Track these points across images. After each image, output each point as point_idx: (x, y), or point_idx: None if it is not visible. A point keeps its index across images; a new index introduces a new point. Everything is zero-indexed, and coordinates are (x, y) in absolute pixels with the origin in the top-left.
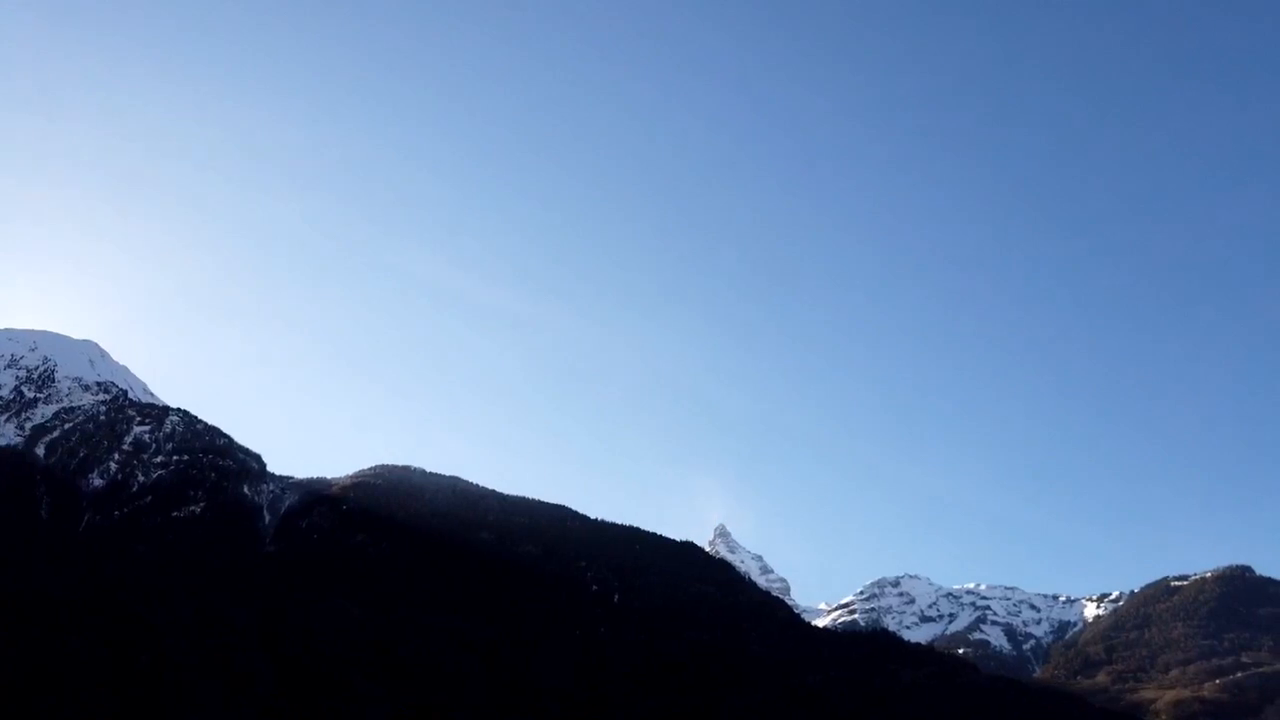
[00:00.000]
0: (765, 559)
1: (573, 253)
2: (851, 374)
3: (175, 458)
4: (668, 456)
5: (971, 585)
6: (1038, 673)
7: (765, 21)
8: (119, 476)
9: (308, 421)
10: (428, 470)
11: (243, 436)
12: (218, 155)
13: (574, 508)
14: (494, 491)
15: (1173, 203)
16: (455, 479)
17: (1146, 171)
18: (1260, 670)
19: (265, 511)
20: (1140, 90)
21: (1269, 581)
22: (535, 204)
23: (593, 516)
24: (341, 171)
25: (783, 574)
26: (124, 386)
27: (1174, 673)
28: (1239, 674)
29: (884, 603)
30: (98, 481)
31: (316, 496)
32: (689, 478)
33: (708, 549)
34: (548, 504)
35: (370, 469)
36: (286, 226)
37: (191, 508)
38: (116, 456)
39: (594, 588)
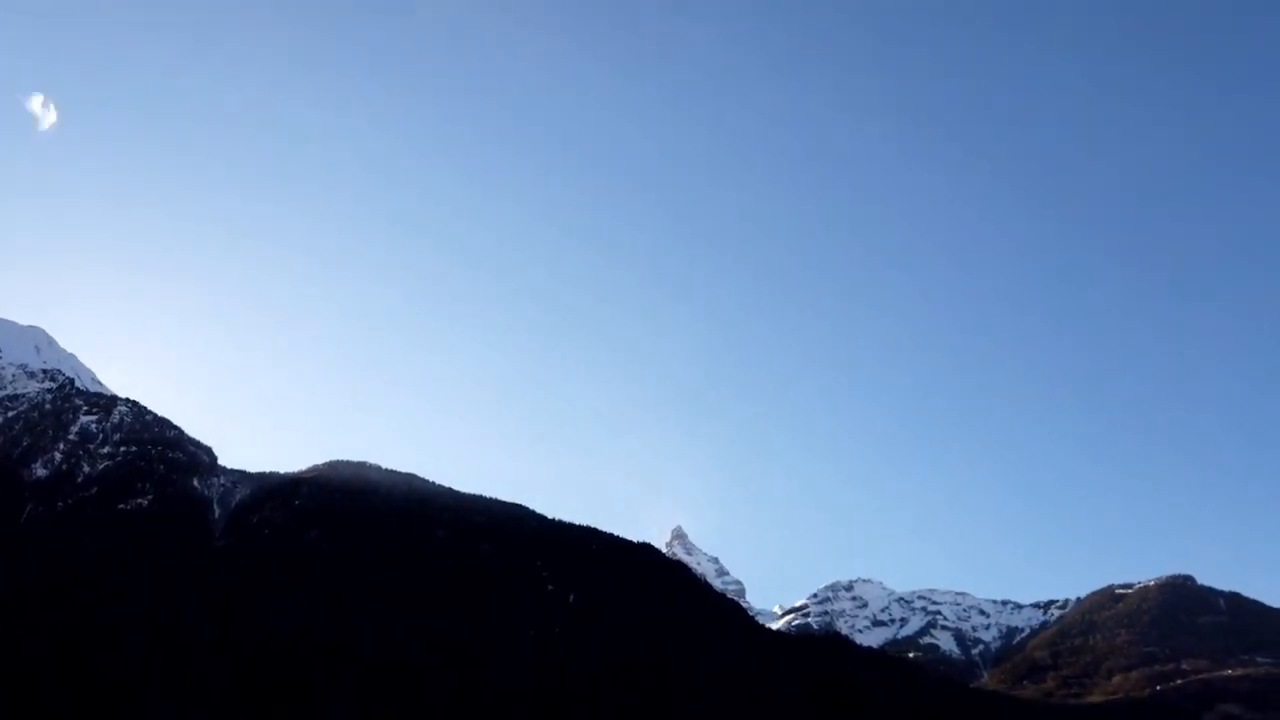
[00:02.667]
0: (721, 561)
1: (536, 249)
2: (814, 378)
3: (123, 449)
4: (626, 457)
5: (923, 590)
6: (985, 677)
7: (760, 20)
8: (64, 467)
9: (261, 415)
10: (383, 466)
11: (194, 429)
12: (172, 139)
13: (531, 507)
14: (450, 489)
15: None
16: (411, 476)
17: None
18: (1199, 677)
19: (215, 505)
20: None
21: (1209, 591)
22: (504, 201)
23: (550, 516)
24: (300, 164)
25: (738, 576)
26: (71, 375)
27: (1117, 679)
28: (1179, 680)
29: (837, 606)
30: (41, 472)
31: (269, 491)
32: (648, 479)
33: (665, 550)
34: (505, 503)
35: (324, 464)
36: (242, 215)
37: (139, 500)
38: (62, 446)
39: (550, 587)
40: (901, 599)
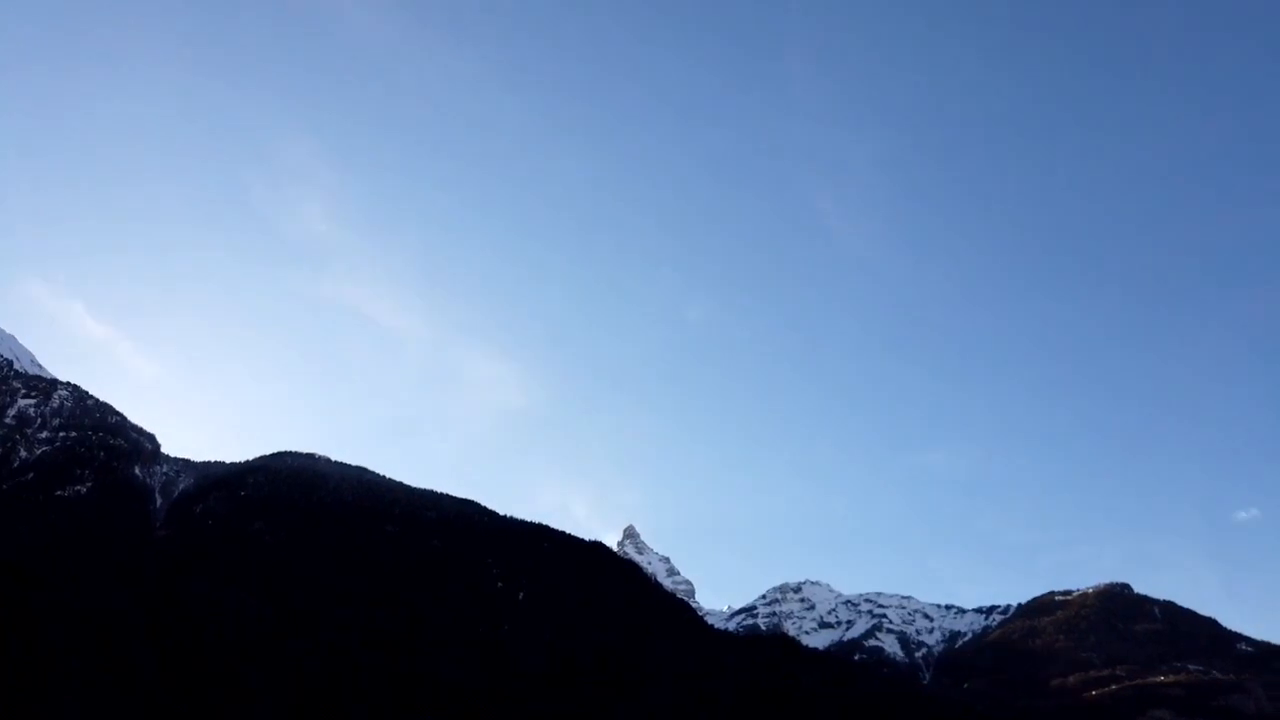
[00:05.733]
0: (672, 560)
1: (490, 243)
2: (770, 381)
3: (62, 434)
4: (580, 455)
5: (869, 593)
6: (928, 680)
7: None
8: None
9: (207, 403)
10: (333, 459)
11: (137, 415)
12: (129, 119)
13: (483, 503)
14: (402, 484)
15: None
16: (362, 469)
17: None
18: (1133, 683)
19: (157, 494)
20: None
21: (1144, 599)
22: (441, 199)
23: (502, 514)
24: (250, 145)
25: (689, 576)
26: (9, 357)
27: (1055, 683)
28: (1114, 686)
29: (785, 608)
30: None
31: (213, 480)
32: (602, 477)
33: (616, 549)
34: (456, 499)
35: (272, 455)
36: (190, 199)
37: (78, 487)
38: None
39: (500, 585)
40: (848, 601)
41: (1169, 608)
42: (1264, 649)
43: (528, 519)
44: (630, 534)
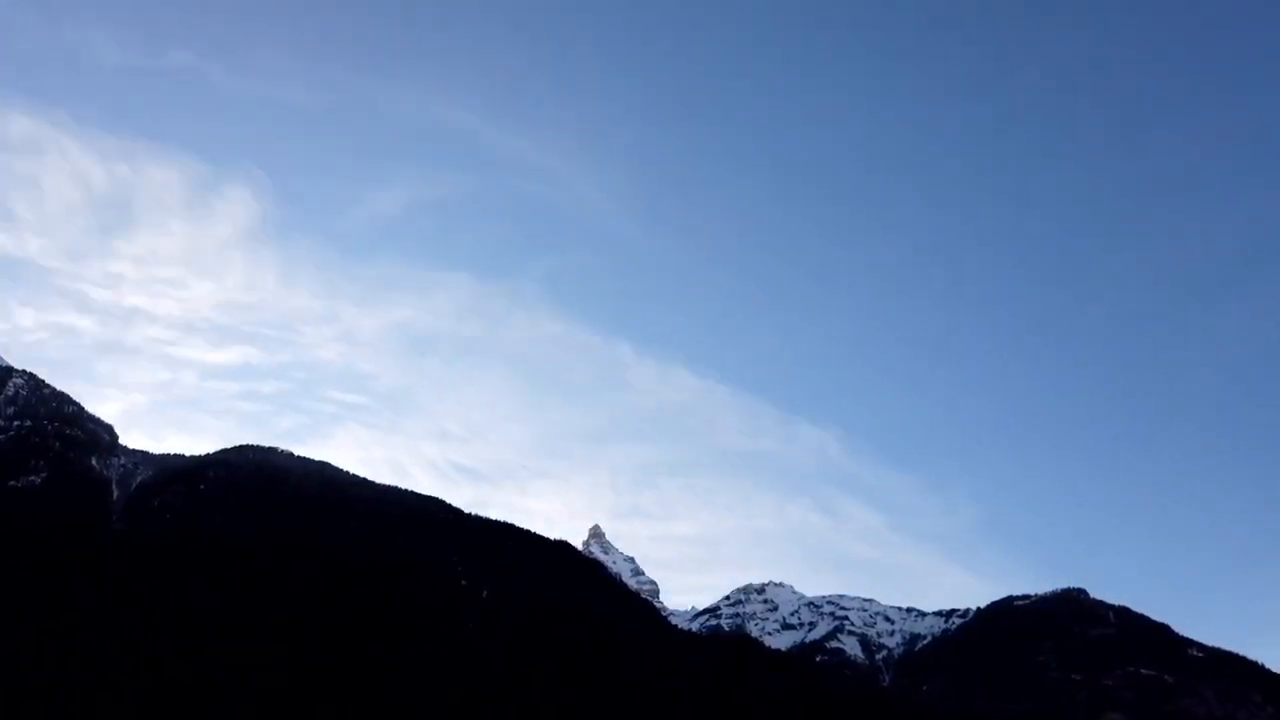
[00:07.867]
0: (637, 561)
1: (465, 230)
2: (737, 382)
3: (16, 423)
4: (549, 453)
5: (832, 595)
6: (888, 682)
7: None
8: None
9: (167, 394)
10: (295, 453)
11: (95, 406)
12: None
13: (448, 500)
14: (366, 480)
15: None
16: (324, 464)
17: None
18: (1088, 686)
19: (115, 486)
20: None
21: (1100, 604)
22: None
23: (467, 511)
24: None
25: (654, 576)
26: None
27: (1012, 686)
28: (1069, 689)
29: (749, 609)
30: None
31: (172, 473)
32: (569, 475)
33: (581, 549)
34: (421, 495)
35: (232, 448)
36: (162, 183)
37: (31, 478)
38: None
39: (464, 583)
40: (811, 603)
41: (1123, 612)
42: (1214, 654)
43: (493, 517)
44: (596, 534)
